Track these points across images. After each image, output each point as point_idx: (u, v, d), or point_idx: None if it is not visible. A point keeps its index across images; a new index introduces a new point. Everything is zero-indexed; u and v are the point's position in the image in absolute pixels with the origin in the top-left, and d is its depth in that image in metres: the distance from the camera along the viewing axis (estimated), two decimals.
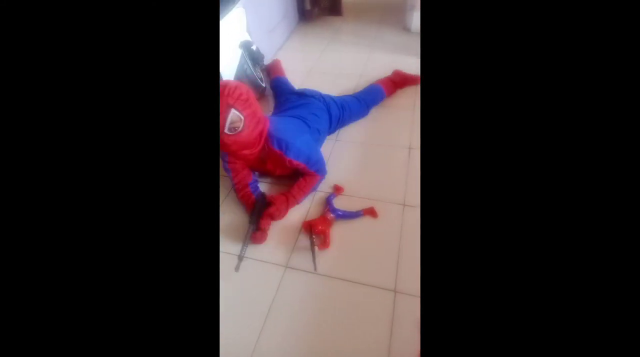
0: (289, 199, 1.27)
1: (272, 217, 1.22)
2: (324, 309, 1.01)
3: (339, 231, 1.20)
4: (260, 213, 1.22)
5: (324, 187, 1.37)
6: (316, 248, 1.12)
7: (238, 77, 1.66)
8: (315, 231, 1.15)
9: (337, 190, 1.34)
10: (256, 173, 1.40)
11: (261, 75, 1.86)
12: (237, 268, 1.13)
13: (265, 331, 0.97)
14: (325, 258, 1.13)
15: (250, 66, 1.73)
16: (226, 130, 1.12)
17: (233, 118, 1.12)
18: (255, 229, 1.19)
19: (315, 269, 1.09)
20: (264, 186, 1.41)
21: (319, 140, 1.48)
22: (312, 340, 0.95)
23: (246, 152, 1.20)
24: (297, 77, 2.02)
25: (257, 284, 1.09)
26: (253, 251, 1.17)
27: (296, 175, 1.34)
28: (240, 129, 1.13)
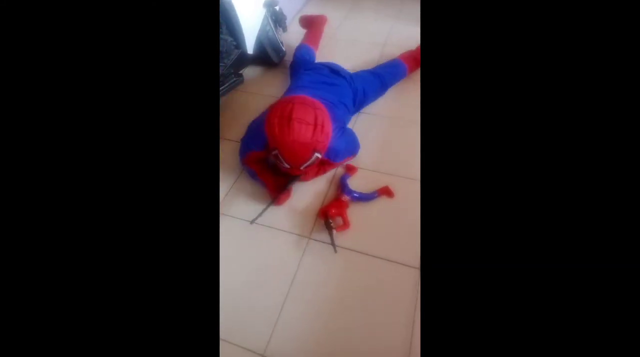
0: (320, 170, 1.25)
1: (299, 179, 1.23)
2: (347, 283, 1.01)
3: (362, 209, 1.18)
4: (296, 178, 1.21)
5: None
6: (334, 231, 1.09)
7: (259, 39, 1.58)
8: (331, 214, 1.12)
9: (350, 170, 1.29)
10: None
11: (281, 39, 1.77)
12: (252, 221, 1.14)
13: (289, 301, 0.97)
14: (350, 235, 1.11)
15: (273, 28, 1.64)
16: (302, 168, 1.11)
17: (313, 160, 1.09)
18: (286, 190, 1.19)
19: (335, 251, 1.06)
20: None
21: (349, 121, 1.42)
22: (335, 313, 0.95)
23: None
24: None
25: (280, 254, 1.08)
26: (277, 221, 1.16)
27: None
28: (312, 162, 1.11)
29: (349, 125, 1.45)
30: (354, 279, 1.01)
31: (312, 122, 1.03)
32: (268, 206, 1.16)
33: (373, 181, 1.25)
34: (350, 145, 1.29)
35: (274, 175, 1.23)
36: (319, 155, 1.09)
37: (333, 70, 1.45)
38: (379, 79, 1.53)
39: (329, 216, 1.12)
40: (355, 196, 1.19)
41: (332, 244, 1.07)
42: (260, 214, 1.14)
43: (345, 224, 1.12)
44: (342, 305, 0.96)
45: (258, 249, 1.10)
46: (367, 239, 1.10)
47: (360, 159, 1.33)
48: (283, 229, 1.14)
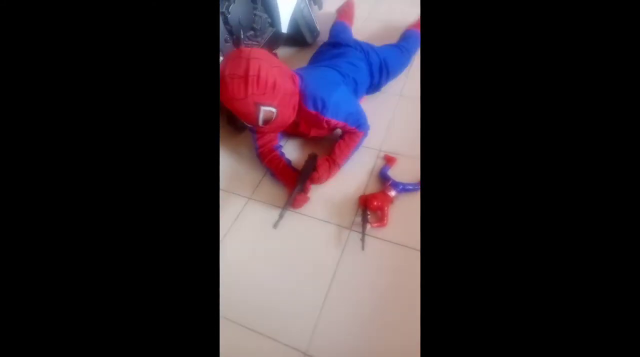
0: (331, 166, 1.14)
1: (312, 182, 1.12)
2: (390, 278, 0.94)
3: (406, 199, 1.10)
4: (308, 175, 1.10)
5: (374, 158, 1.24)
6: (368, 225, 1.01)
7: (294, 17, 1.49)
8: (371, 207, 1.04)
9: (389, 161, 1.19)
10: (280, 136, 1.26)
11: (316, 18, 1.67)
12: (275, 225, 1.04)
13: (330, 297, 0.92)
14: (394, 227, 1.03)
15: (308, 4, 1.54)
16: (261, 124, 1.01)
17: (266, 115, 0.98)
18: (301, 191, 1.08)
19: (362, 248, 0.98)
20: (293, 147, 1.28)
21: (357, 92, 1.31)
22: (378, 309, 0.89)
23: (283, 127, 1.12)
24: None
25: (320, 247, 1.02)
26: (315, 212, 1.10)
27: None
28: (275, 116, 1.00)
29: (392, 108, 1.37)
30: (397, 273, 0.94)
31: (243, 74, 0.92)
32: (284, 209, 1.06)
33: (416, 169, 1.16)
34: (352, 108, 1.17)
35: (293, 176, 1.14)
36: (272, 109, 0.98)
37: (334, 45, 1.40)
38: (397, 47, 1.49)
39: (369, 207, 1.04)
40: (404, 188, 1.09)
41: (362, 239, 0.99)
42: (280, 218, 1.05)
43: (383, 221, 1.03)
44: (386, 300, 0.89)
45: (298, 241, 1.04)
46: (412, 232, 1.01)
47: (400, 147, 1.24)
48: (322, 219, 1.08)
